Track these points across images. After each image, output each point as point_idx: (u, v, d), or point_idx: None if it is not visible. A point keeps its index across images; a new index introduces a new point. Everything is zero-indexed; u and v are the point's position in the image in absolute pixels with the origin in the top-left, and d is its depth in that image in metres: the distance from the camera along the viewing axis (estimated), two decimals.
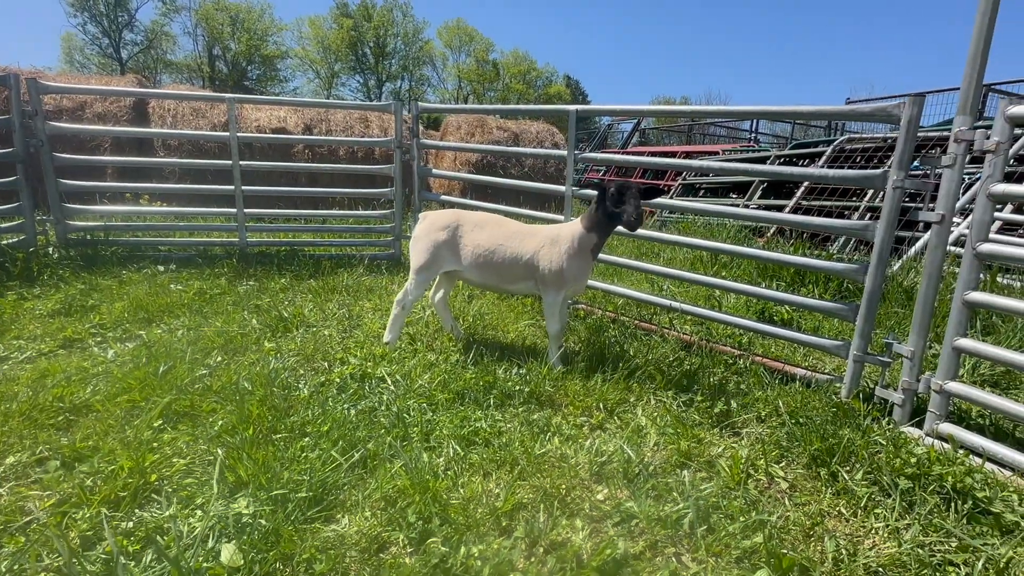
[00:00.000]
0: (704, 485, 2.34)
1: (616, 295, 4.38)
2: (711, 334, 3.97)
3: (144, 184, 5.54)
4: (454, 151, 9.55)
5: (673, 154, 13.67)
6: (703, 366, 3.43)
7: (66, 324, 3.56)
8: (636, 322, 4.08)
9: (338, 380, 3.06)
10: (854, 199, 7.34)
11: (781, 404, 2.96)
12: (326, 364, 3.28)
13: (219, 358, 3.23)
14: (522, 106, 6.34)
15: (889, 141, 7.21)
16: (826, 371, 3.50)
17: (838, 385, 3.16)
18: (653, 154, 14.51)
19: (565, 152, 4.21)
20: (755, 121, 16.60)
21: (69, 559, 1.66)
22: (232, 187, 5.29)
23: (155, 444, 2.34)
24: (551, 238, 3.30)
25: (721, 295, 4.88)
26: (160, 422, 2.53)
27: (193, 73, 45.74)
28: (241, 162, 5.19)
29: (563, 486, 2.27)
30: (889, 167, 2.87)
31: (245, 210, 5.33)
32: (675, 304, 3.89)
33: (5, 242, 4.70)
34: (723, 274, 5.62)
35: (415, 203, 5.51)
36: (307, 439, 2.44)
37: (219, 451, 2.24)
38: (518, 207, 5.19)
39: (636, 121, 18.15)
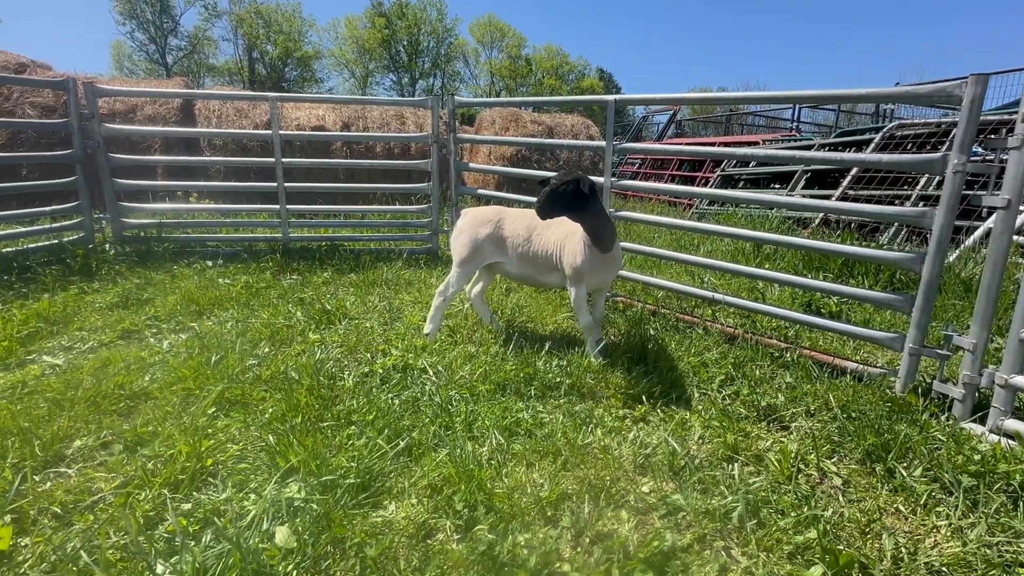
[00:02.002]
0: (753, 479, 2.29)
1: (656, 287, 4.31)
2: (756, 327, 3.88)
3: (193, 183, 5.74)
4: (489, 144, 9.56)
5: (711, 145, 13.37)
6: (748, 359, 3.35)
7: (124, 316, 3.72)
8: (677, 315, 4.01)
9: (381, 371, 3.11)
10: (905, 187, 7.04)
11: (832, 398, 2.86)
12: (369, 355, 3.33)
13: (267, 349, 3.32)
14: (558, 98, 6.26)
15: (944, 126, 6.88)
16: (879, 365, 3.37)
17: (892, 379, 3.04)
18: (690, 145, 14.22)
19: (602, 143, 4.17)
20: (797, 109, 16.09)
21: (136, 537, 1.73)
22: (275, 184, 5.43)
23: (210, 430, 2.43)
24: (571, 230, 3.29)
25: (765, 287, 4.75)
26: (214, 409, 2.62)
27: (234, 76, 47.15)
28: (283, 159, 5.32)
29: (607, 477, 2.25)
30: (948, 151, 2.73)
31: (287, 206, 5.46)
32: (717, 296, 3.81)
33: (66, 239, 4.95)
34: (767, 266, 5.47)
35: (452, 197, 5.54)
36: (353, 427, 2.49)
37: (270, 437, 2.31)
38: None
39: (672, 113, 17.81)
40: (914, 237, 6.36)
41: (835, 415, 2.74)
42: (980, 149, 6.15)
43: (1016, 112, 2.48)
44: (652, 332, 3.68)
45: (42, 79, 6.11)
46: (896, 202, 6.95)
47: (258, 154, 8.09)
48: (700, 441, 2.58)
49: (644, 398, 2.92)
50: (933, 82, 2.92)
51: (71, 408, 2.52)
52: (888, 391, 2.95)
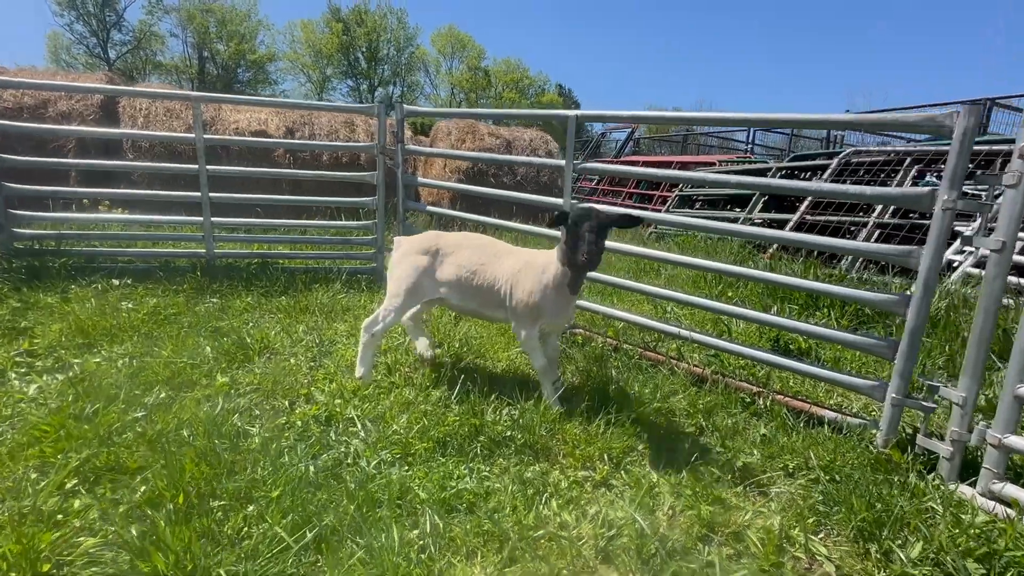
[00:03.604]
0: (734, 567, 1.93)
1: (617, 319, 3.97)
2: (724, 364, 3.58)
3: (100, 189, 5.05)
4: (444, 158, 9.13)
5: (669, 164, 13.36)
6: (718, 405, 3.03)
7: None
8: (641, 350, 3.68)
9: (299, 423, 2.63)
10: (861, 214, 7.02)
11: (812, 455, 2.56)
12: (287, 403, 2.83)
13: (162, 395, 2.77)
14: (517, 110, 5.92)
15: (898, 155, 6.91)
16: (854, 411, 3.12)
17: (873, 431, 2.77)
18: (648, 163, 14.20)
19: (561, 162, 3.82)
20: (751, 131, 16.36)
21: None
22: (199, 194, 4.84)
23: (60, 516, 1.89)
24: (527, 262, 2.89)
25: (731, 319, 4.50)
26: (74, 482, 2.08)
27: (182, 75, 45.06)
28: (208, 167, 4.74)
29: (564, 571, 1.85)
30: (924, 183, 2.50)
31: (214, 219, 4.87)
32: (684, 333, 3.50)
33: None
34: (729, 293, 5.25)
35: (399, 213, 5.08)
36: (252, 507, 2.00)
37: (132, 530, 1.79)
38: (510, 219, 4.82)
39: (630, 130, 17.85)
40: (871, 265, 6.30)
41: (817, 477, 2.44)
42: (934, 179, 6.15)
43: (1009, 145, 2.25)
44: (614, 373, 3.32)
45: None
46: (852, 229, 6.92)
47: (191, 159, 7.40)
48: (671, 513, 2.22)
49: (606, 456, 2.55)
50: (920, 106, 2.70)
51: None
52: (870, 445, 2.68)
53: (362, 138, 8.67)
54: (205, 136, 4.70)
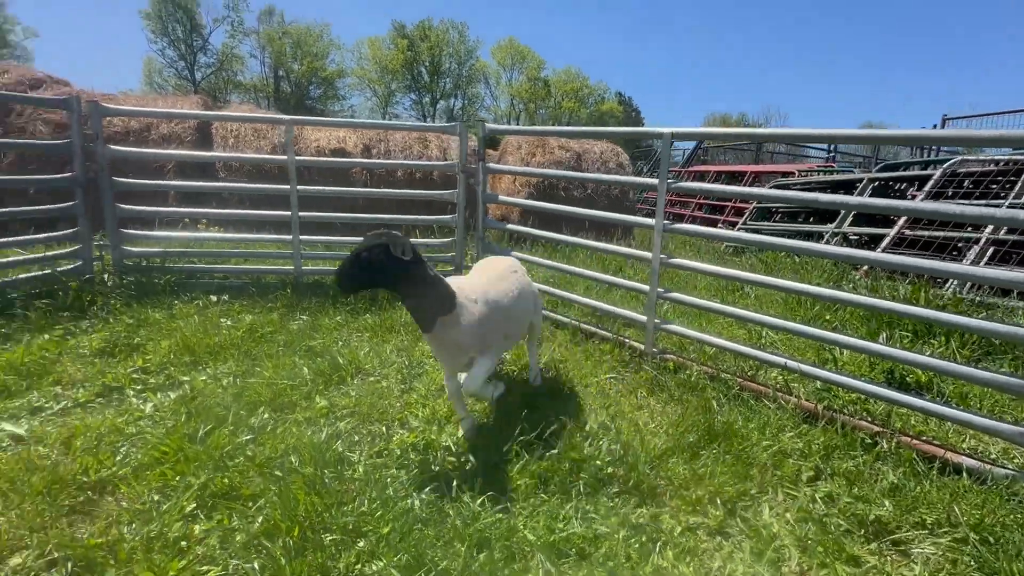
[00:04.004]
0: None
1: (708, 344, 3.76)
2: (835, 397, 3.31)
3: (199, 209, 5.36)
4: (524, 176, 9.09)
5: (742, 174, 12.84)
6: (836, 446, 2.79)
7: (108, 367, 3.27)
8: (740, 380, 3.46)
9: (398, 450, 2.61)
10: (968, 229, 6.44)
11: (956, 510, 2.29)
12: (384, 428, 2.83)
13: (266, 415, 2.83)
14: (604, 128, 5.84)
15: (1016, 165, 6.29)
16: (992, 457, 2.79)
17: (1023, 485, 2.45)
18: (719, 173, 13.72)
19: (655, 180, 3.68)
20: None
21: None
22: (288, 213, 5.02)
23: (184, 543, 1.93)
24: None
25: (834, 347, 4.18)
26: (193, 506, 2.13)
27: (259, 93, 47.82)
28: (299, 187, 4.90)
29: None
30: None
31: (302, 237, 5.03)
32: (791, 364, 3.26)
33: (60, 269, 4.55)
34: (827, 316, 4.89)
35: (479, 231, 5.08)
36: (363, 542, 1.98)
37: (255, 564, 1.80)
38: (581, 234, 4.73)
39: (698, 140, 17.34)
40: (985, 288, 5.74)
41: (966, 537, 2.17)
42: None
43: None
44: (716, 405, 3.13)
45: (42, 97, 5.80)
46: (960, 246, 6.35)
47: (277, 179, 7.74)
48: (799, 571, 2.03)
49: (718, 500, 2.38)
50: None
51: (19, 505, 2.05)
52: (1016, 498, 2.38)
53: (434, 154, 8.81)
54: (297, 158, 4.87)
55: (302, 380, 3.21)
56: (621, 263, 6.76)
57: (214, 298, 4.62)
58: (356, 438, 2.72)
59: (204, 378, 3.23)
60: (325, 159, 6.89)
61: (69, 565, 1.80)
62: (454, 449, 2.61)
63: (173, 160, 7.43)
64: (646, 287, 3.85)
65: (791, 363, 3.27)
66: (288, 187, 4.93)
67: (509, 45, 53.35)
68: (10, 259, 4.54)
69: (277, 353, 3.62)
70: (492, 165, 5.07)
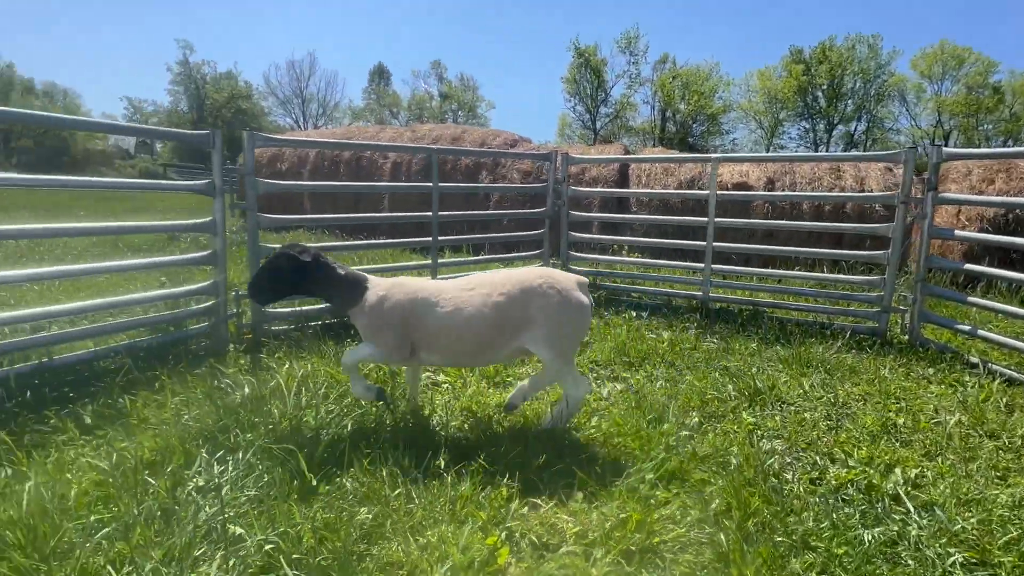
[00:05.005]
0: None
1: None
2: None
3: (621, 237, 6.36)
4: (977, 205, 7.47)
5: None
6: None
7: None
8: None
9: (834, 483, 2.57)
10: None
11: None
12: (814, 458, 2.82)
13: (696, 419, 3.19)
14: None
15: None
16: None
17: None
18: None
19: None
20: None
21: None
22: (700, 242, 5.45)
23: (651, 501, 2.39)
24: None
25: None
26: (651, 476, 2.59)
27: (646, 135, 52.21)
28: (716, 219, 5.28)
29: None
30: None
31: (713, 266, 5.39)
32: None
33: None
34: None
35: (920, 270, 4.44)
36: (810, 555, 2.06)
37: (722, 536, 2.10)
38: None
39: None
40: None
41: None
42: None
43: None
44: None
45: (536, 153, 7.83)
46: None
47: (679, 212, 8.44)
48: None
49: None
50: None
51: (536, 439, 2.88)
52: None
53: (849, 184, 8.04)
54: (718, 192, 5.26)
55: (726, 395, 3.47)
56: None
57: (633, 313, 5.38)
58: (787, 460, 2.80)
59: (640, 377, 3.84)
60: (746, 192, 7.29)
61: (582, 494, 2.46)
62: (908, 502, 2.41)
63: (597, 198, 8.96)
64: None
65: None
66: (705, 219, 5.36)
67: (940, 50, 43.75)
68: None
69: (696, 367, 4.00)
70: (948, 195, 4.38)
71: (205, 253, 4.03)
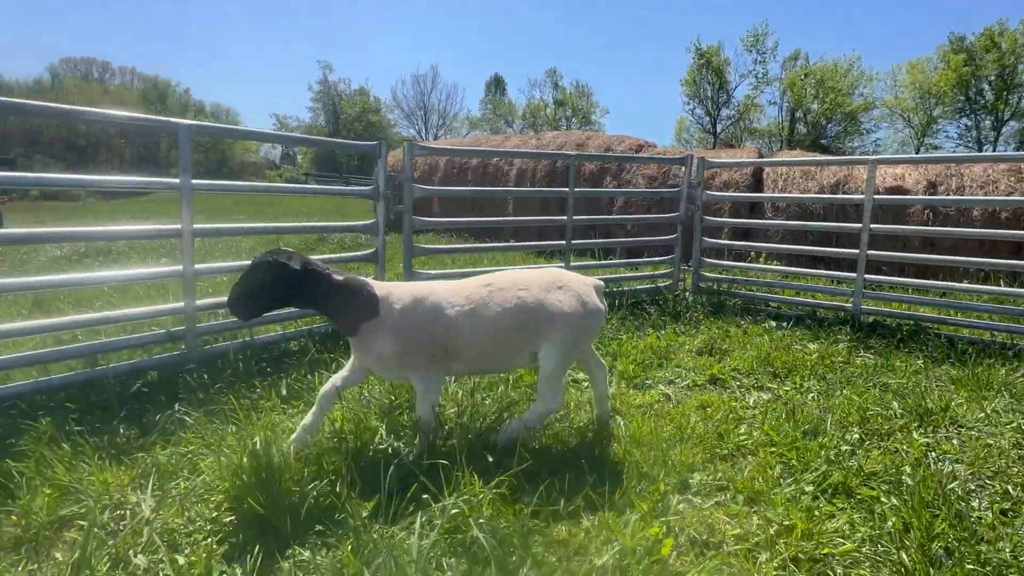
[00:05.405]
0: None
1: None
2: None
3: (758, 244, 6.09)
4: None
5: None
6: None
7: (709, 363, 4.15)
8: None
9: None
10: None
11: None
12: (1004, 486, 2.56)
13: (857, 435, 3.02)
14: None
15: None
16: None
17: None
18: None
19: None
20: None
21: None
22: (852, 250, 5.09)
23: (815, 513, 2.32)
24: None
25: None
26: (812, 488, 2.51)
27: (773, 137, 48.84)
28: (872, 225, 4.90)
29: None
30: None
31: (867, 276, 5.01)
32: None
33: (659, 284, 6.04)
34: None
35: None
36: None
37: (903, 556, 1.99)
38: None
39: None
40: None
41: None
42: None
43: None
44: None
45: (672, 157, 7.75)
46: None
47: (819, 217, 7.90)
48: None
49: None
50: None
51: (686, 440, 2.89)
52: None
53: None
54: (875, 196, 4.88)
55: (892, 412, 3.24)
56: None
57: (773, 323, 5.14)
58: (971, 486, 2.57)
59: (788, 388, 3.69)
60: (906, 197, 6.78)
61: (741, 496, 2.45)
62: None
63: (728, 202, 8.62)
64: None
65: None
66: (859, 226, 5.00)
67: None
68: (626, 275, 6.30)
69: (852, 381, 3.75)
70: None
71: (369, 251, 4.50)
